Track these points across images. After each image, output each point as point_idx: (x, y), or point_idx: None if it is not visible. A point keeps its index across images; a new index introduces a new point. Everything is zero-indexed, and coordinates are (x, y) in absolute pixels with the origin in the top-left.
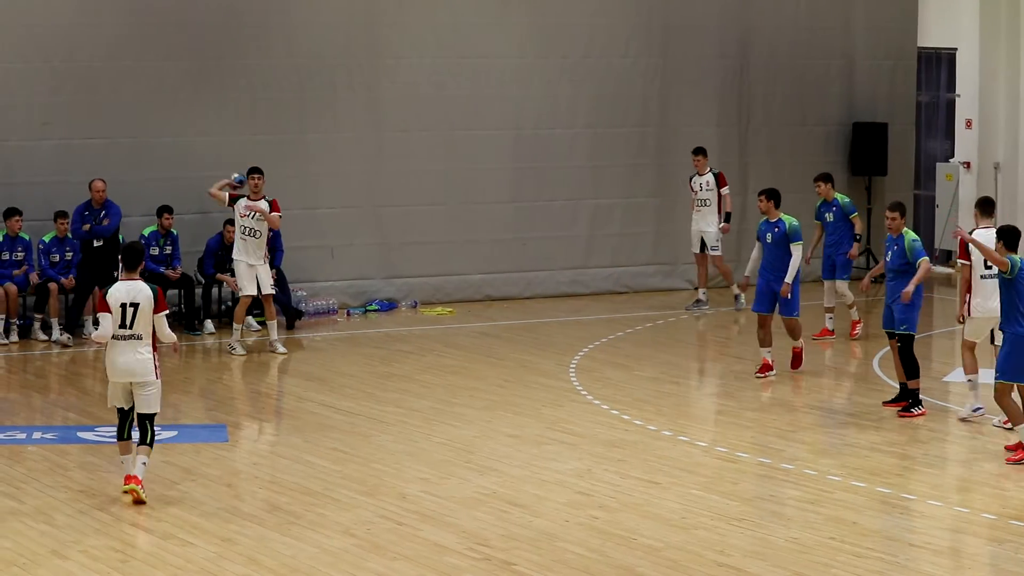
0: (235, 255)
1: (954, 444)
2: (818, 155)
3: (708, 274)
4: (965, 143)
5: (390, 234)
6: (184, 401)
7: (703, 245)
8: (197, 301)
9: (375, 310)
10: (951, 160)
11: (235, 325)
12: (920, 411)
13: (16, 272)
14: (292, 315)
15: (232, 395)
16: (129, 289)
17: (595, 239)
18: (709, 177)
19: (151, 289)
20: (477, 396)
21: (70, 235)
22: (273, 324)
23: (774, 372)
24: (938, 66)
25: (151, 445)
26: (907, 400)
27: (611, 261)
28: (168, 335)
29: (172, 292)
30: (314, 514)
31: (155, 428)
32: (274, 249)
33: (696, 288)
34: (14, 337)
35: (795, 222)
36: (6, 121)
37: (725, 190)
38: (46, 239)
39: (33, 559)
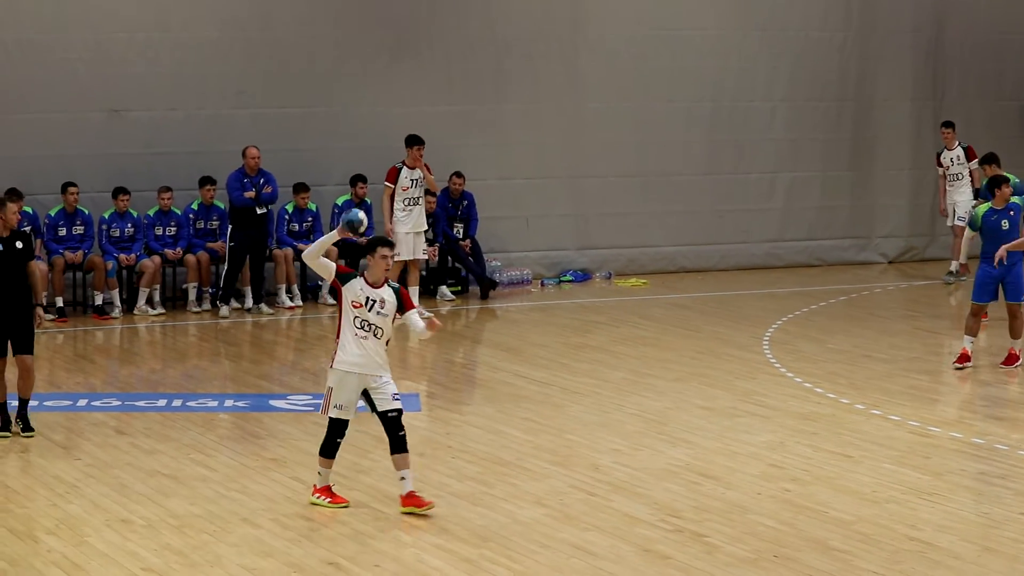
0: (397, 228)
1: None
2: (1014, 130)
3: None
4: None
5: (585, 205)
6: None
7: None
8: None
9: (569, 281)
10: None
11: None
12: None
13: (211, 244)
14: (486, 285)
15: (425, 364)
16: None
17: (791, 212)
18: (959, 151)
19: (393, 289)
20: (670, 368)
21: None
22: (415, 290)
23: (971, 364)
24: None
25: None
26: None
27: (807, 234)
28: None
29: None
30: (506, 484)
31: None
32: (468, 218)
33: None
34: (206, 305)
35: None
36: (201, 90)
37: (974, 164)
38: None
39: (223, 526)
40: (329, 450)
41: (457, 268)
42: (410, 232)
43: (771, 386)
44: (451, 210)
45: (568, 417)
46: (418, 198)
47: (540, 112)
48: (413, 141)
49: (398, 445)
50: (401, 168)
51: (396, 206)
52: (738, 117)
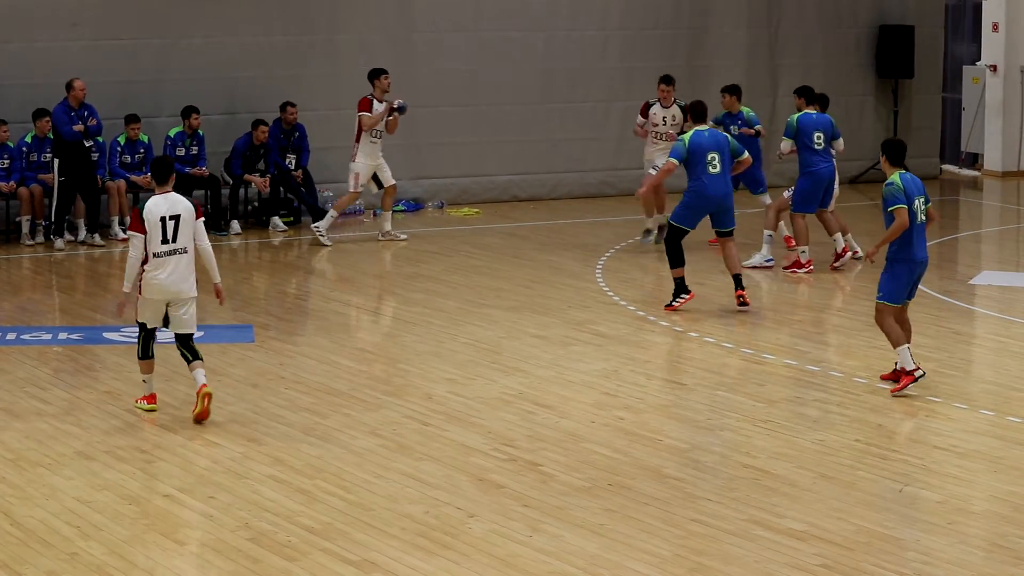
0: (360, 158)
1: (981, 347)
2: (847, 57)
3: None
4: (992, 46)
5: (418, 135)
6: (211, 302)
7: None
8: (224, 202)
9: (401, 211)
10: (978, 63)
11: (333, 212)
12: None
13: (42, 176)
14: (318, 215)
15: (258, 296)
16: (167, 202)
17: (625, 141)
18: (675, 110)
19: (188, 200)
20: (504, 296)
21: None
22: (388, 215)
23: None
24: None
25: (202, 359)
26: None
27: (640, 163)
28: (208, 244)
29: (199, 193)
30: (340, 415)
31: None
32: (301, 149)
33: None
34: (40, 238)
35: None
36: (33, 22)
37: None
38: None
39: (59, 459)
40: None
41: (289, 199)
42: (373, 164)
43: (604, 314)
44: (283, 141)
45: (401, 347)
46: (381, 131)
47: (372, 42)
48: (378, 72)
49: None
50: (372, 100)
51: (364, 137)
52: (572, 46)
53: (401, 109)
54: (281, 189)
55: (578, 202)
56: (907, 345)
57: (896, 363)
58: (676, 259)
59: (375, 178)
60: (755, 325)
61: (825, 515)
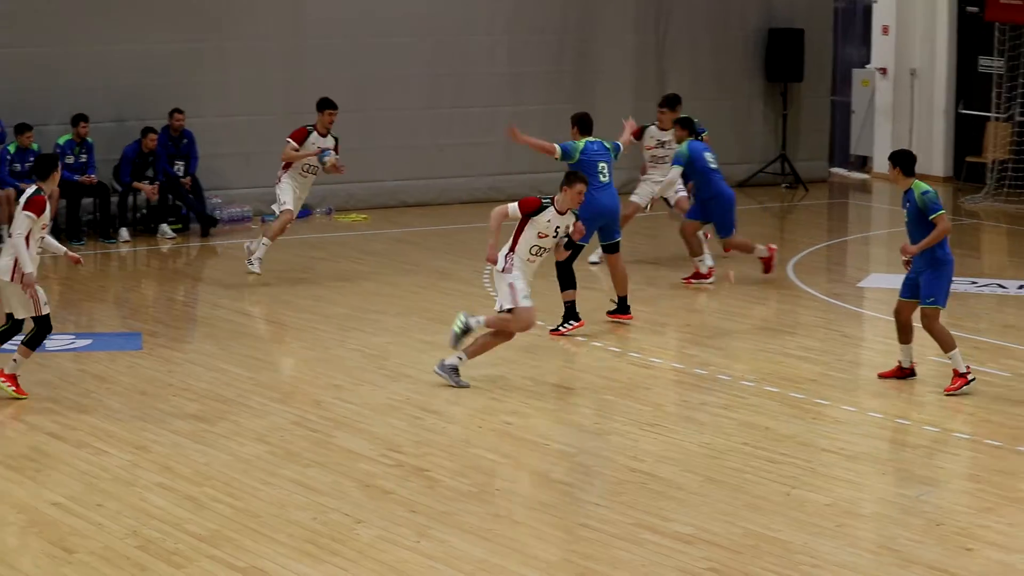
0: (286, 181)
1: (869, 350)
2: (735, 61)
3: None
4: (882, 49)
5: None
6: (99, 309)
7: None
8: (112, 209)
9: None
10: (867, 66)
11: (265, 240)
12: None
13: None
14: (206, 222)
15: (147, 303)
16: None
17: (513, 145)
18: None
19: (35, 193)
20: (391, 303)
21: None
22: (269, 245)
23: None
24: None
25: (30, 346)
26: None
27: (529, 167)
28: (15, 236)
29: (87, 200)
30: (228, 421)
31: (39, 334)
32: (189, 156)
33: None
34: None
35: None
36: None
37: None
38: None
39: None
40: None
41: (178, 206)
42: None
43: None
44: (171, 148)
45: (289, 353)
46: (316, 168)
47: (261, 49)
48: (325, 104)
49: None
50: (311, 132)
51: (295, 168)
52: (459, 51)
53: (321, 159)
54: (169, 196)
55: (466, 207)
56: (957, 349)
57: (903, 362)
58: (567, 281)
59: None
60: (643, 330)
61: (712, 518)
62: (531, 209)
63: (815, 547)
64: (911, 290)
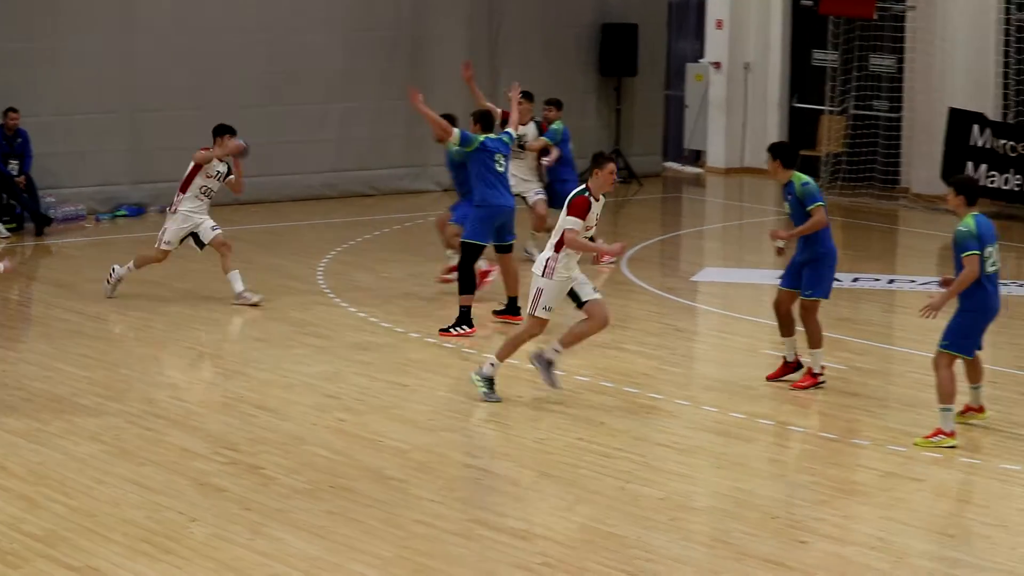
0: (182, 211)
1: (703, 343)
2: (568, 56)
3: None
4: (716, 43)
5: (141, 139)
6: None
7: None
8: None
9: (123, 215)
10: (701, 60)
11: (131, 265)
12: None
13: None
14: (40, 221)
15: None
16: None
17: (345, 142)
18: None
19: None
20: (225, 300)
21: None
22: (237, 274)
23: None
24: None
25: None
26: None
27: (361, 164)
28: None
29: None
30: (62, 420)
31: None
32: (23, 155)
33: None
34: None
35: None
36: None
37: None
38: None
39: None
40: None
41: (12, 205)
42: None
43: (326, 317)
44: (5, 147)
45: (123, 352)
46: (214, 192)
47: (95, 47)
48: (222, 130)
49: None
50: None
51: (190, 190)
52: (293, 49)
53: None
54: (3, 195)
55: (300, 204)
56: (822, 349)
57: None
58: (467, 284)
59: (195, 238)
60: (478, 325)
61: (547, 514)
62: (585, 212)
63: (649, 541)
64: (792, 280)
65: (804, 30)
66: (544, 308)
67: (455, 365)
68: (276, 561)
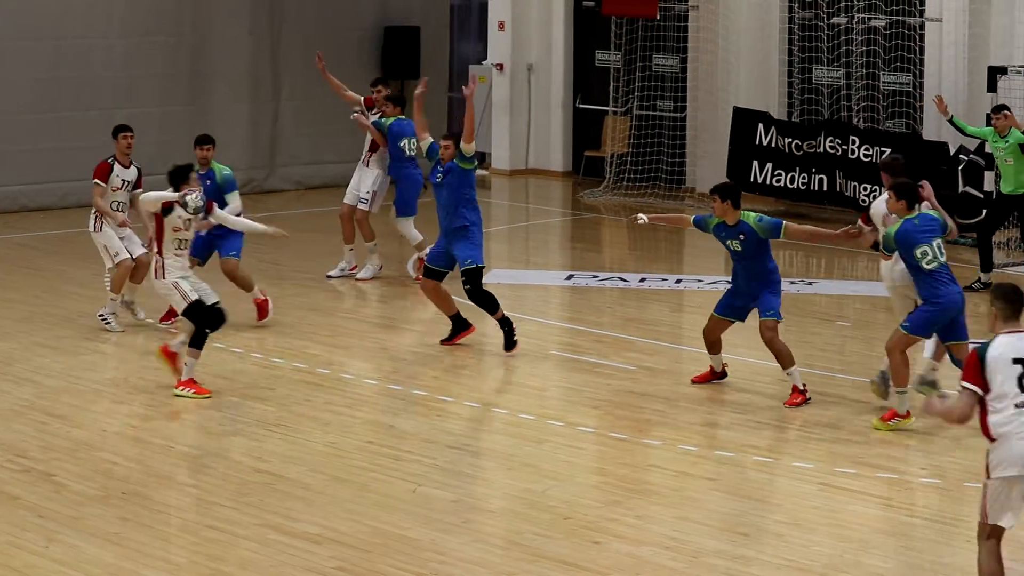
0: (108, 227)
1: (491, 345)
2: (350, 59)
3: None
4: (498, 45)
5: None
6: None
7: None
8: None
9: None
10: (484, 62)
11: (112, 296)
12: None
13: None
14: None
15: None
16: None
17: (138, 147)
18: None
19: None
20: (14, 307)
21: None
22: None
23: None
24: None
25: None
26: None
27: (146, 169)
28: None
29: None
30: None
31: None
32: None
33: None
34: None
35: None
36: None
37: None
38: None
39: None
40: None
41: None
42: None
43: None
44: None
45: None
46: (124, 204)
47: None
48: (121, 129)
49: None
50: (113, 165)
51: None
52: (79, 54)
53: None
54: None
55: (87, 211)
56: (796, 366)
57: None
58: (488, 302)
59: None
60: (265, 330)
61: (340, 518)
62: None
63: (443, 543)
64: (732, 311)
65: (587, 31)
66: None
67: (245, 370)
68: (71, 568)
